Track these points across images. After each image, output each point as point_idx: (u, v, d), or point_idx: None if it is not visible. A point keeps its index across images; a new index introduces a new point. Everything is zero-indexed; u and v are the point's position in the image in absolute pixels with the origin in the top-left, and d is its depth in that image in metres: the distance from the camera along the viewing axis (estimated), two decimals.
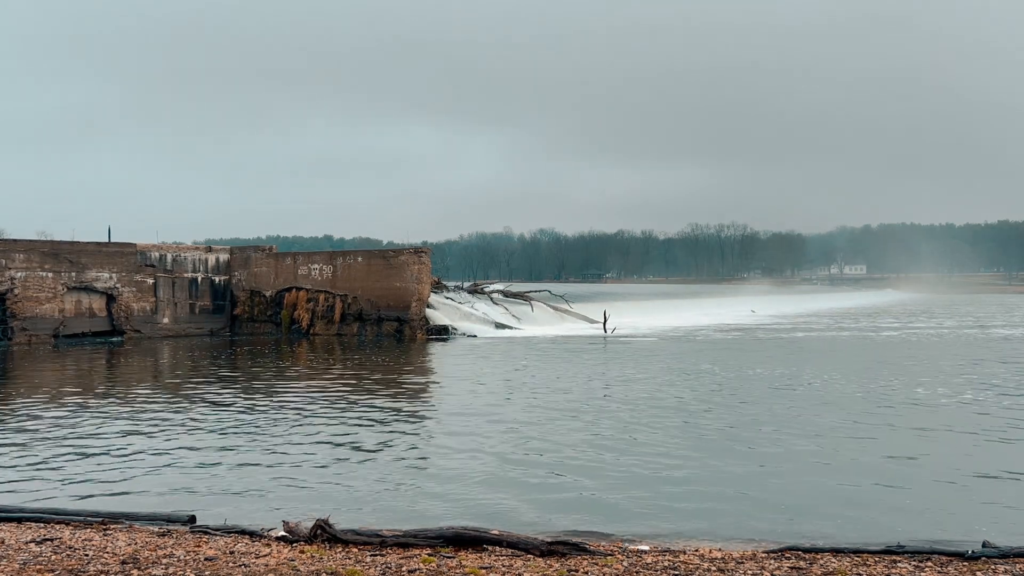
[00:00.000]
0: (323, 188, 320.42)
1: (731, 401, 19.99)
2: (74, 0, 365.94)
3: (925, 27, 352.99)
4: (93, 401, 20.59)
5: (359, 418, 17.80)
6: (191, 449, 14.66)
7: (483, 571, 7.66)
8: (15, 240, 41.18)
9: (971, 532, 9.47)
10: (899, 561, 8.02)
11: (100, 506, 10.75)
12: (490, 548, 8.47)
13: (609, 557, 8.18)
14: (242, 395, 21.62)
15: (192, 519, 9.83)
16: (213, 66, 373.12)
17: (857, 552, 8.35)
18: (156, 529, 9.50)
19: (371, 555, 8.24)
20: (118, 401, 20.61)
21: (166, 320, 44.81)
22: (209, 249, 48.10)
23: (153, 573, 7.54)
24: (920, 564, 7.91)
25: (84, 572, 7.56)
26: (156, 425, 17.03)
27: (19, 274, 39.28)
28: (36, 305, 39.69)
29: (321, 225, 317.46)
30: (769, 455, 13.94)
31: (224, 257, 48.01)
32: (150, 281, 44.19)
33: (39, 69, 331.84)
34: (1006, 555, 8.12)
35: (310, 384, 23.89)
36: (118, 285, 42.79)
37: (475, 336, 42.64)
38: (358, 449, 14.59)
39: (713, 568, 7.79)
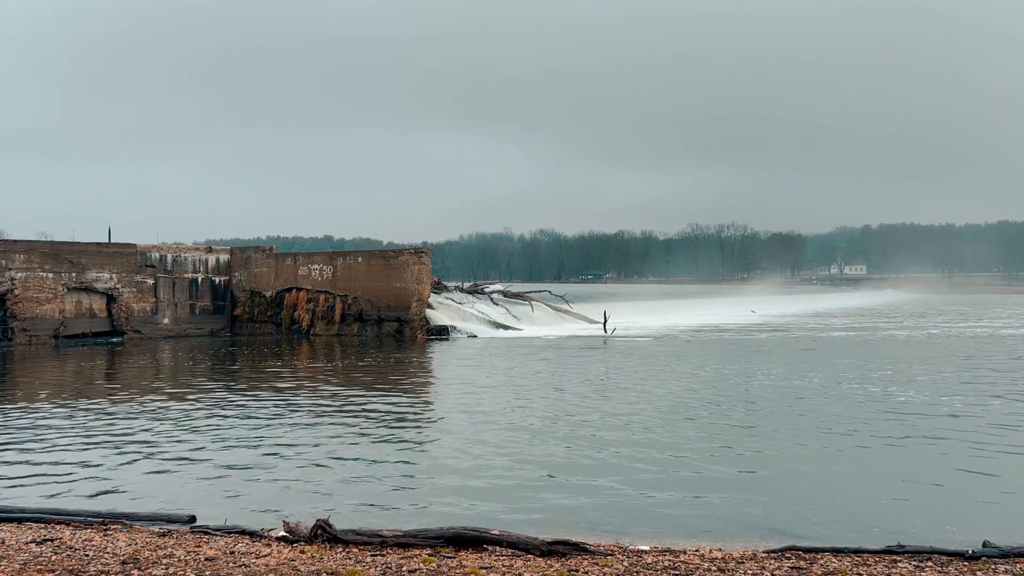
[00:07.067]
0: (323, 189, 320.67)
1: (731, 401, 19.99)
2: (71, 3, 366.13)
3: (923, 25, 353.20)
4: (93, 402, 20.59)
5: (359, 418, 17.81)
6: (191, 449, 14.66)
7: (483, 571, 7.66)
8: (15, 240, 41.19)
9: (971, 532, 9.47)
10: (899, 561, 8.02)
11: (100, 506, 10.75)
12: (490, 548, 8.47)
13: (609, 557, 8.18)
14: (242, 395, 21.62)
15: (192, 519, 9.83)
16: (213, 67, 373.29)
17: (857, 552, 8.35)
18: (156, 529, 9.51)
19: (371, 555, 8.24)
20: (118, 402, 20.61)
21: (166, 320, 44.81)
22: (209, 250, 48.10)
23: (153, 573, 7.54)
24: (920, 564, 7.91)
25: (84, 572, 7.56)
26: (156, 425, 17.03)
27: (19, 274, 39.28)
28: (36, 306, 39.70)
29: (321, 226, 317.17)
30: (769, 455, 13.94)
31: (224, 258, 48.01)
32: (150, 282, 44.19)
33: (39, 77, 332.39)
34: (1006, 555, 8.12)
35: (310, 385, 23.88)
36: (118, 286, 42.79)
37: (475, 336, 42.64)
38: (358, 449, 14.59)
39: (713, 568, 7.78)
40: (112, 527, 9.53)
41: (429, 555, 8.20)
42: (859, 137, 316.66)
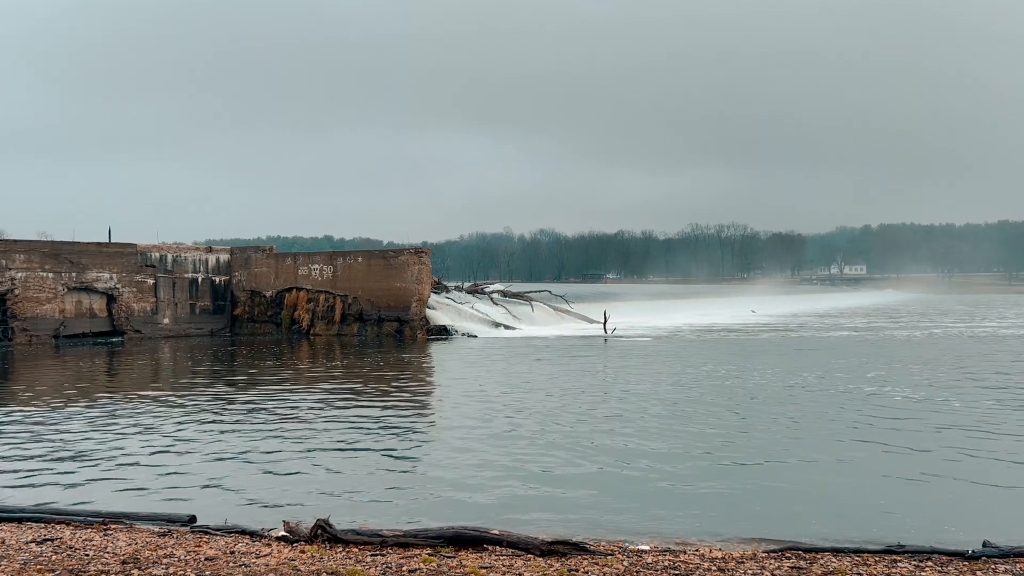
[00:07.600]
0: (323, 189, 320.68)
1: (730, 401, 19.99)
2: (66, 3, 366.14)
3: (923, 25, 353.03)
4: (93, 402, 20.59)
5: (359, 418, 17.81)
6: (191, 449, 14.66)
7: (483, 571, 7.66)
8: (15, 240, 41.18)
9: (971, 532, 9.47)
10: (899, 561, 8.02)
11: (100, 506, 10.74)
12: (490, 548, 8.47)
13: (609, 557, 8.18)
14: (242, 396, 21.62)
15: (192, 519, 9.82)
16: (213, 67, 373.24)
17: (857, 552, 8.36)
18: (156, 529, 9.51)
19: (371, 555, 8.24)
20: (118, 402, 20.61)
21: (166, 320, 44.80)
22: (209, 249, 48.10)
23: (154, 573, 7.54)
24: (920, 564, 7.91)
25: (84, 572, 7.56)
26: (156, 425, 17.03)
27: (19, 274, 39.28)
28: (36, 305, 39.69)
29: (321, 226, 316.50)
30: (768, 455, 13.94)
31: (224, 257, 48.01)
32: (150, 281, 44.18)
33: (39, 77, 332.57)
34: (1006, 555, 8.12)
35: (310, 385, 23.89)
36: (118, 285, 42.79)
37: (475, 336, 42.64)
38: (358, 449, 14.60)
39: (713, 568, 7.78)
40: (112, 527, 9.53)
41: (429, 555, 8.20)
42: (859, 137, 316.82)
